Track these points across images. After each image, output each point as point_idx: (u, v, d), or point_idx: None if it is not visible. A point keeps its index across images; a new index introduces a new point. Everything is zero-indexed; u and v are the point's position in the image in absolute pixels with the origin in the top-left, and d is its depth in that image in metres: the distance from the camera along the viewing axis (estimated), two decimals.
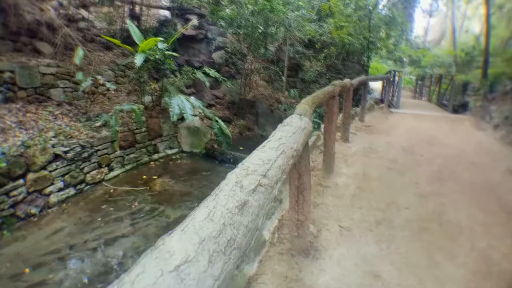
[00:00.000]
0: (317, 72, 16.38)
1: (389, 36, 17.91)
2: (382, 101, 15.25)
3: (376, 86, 19.51)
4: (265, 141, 1.99)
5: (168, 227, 6.26)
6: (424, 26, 34.75)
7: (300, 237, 3.20)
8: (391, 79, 13.76)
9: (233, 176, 1.45)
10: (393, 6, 19.56)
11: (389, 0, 20.19)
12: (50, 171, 6.95)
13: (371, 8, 16.12)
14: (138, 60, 8.58)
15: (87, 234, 5.97)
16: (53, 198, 6.93)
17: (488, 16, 13.03)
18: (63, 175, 7.24)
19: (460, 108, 12.96)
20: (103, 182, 8.17)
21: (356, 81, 8.03)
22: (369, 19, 15.87)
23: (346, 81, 6.85)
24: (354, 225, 3.70)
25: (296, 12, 13.66)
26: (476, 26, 26.25)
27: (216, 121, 10.19)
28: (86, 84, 8.44)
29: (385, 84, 16.20)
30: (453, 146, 7.60)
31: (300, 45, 16.35)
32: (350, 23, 15.53)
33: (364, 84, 9.46)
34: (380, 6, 18.37)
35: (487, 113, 9.83)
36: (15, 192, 6.30)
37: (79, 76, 8.63)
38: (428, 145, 7.55)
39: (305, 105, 3.78)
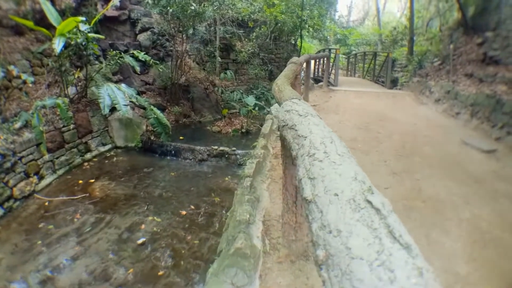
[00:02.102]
0: (250, 52, 15.85)
1: (320, 15, 17.92)
2: (315, 80, 15.33)
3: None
4: (306, 144, 1.44)
5: (122, 240, 5.42)
6: (347, 5, 35.77)
7: (299, 240, 2.83)
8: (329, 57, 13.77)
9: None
10: None
11: None
12: None
13: None
14: (58, 44, 7.33)
15: (30, 264, 4.86)
16: None
17: None
18: None
19: (391, 83, 13.41)
20: (35, 194, 6.88)
21: (302, 58, 7.85)
22: None
23: (296, 58, 6.57)
24: None
25: None
26: (396, 7, 27.74)
27: (152, 109, 9.29)
28: None
29: (318, 62, 16.31)
30: (404, 121, 7.77)
31: (232, 25, 15.69)
32: (282, 1, 15.20)
33: (307, 62, 9.25)
34: None
35: (426, 88, 10.14)
36: None
37: None
38: (380, 121, 7.62)
39: (287, 86, 3.35)
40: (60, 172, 7.91)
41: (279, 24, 16.05)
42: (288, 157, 2.58)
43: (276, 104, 8.13)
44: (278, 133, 6.22)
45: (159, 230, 5.68)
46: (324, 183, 1.03)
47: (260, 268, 2.71)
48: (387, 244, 0.73)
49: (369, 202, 0.88)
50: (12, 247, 5.28)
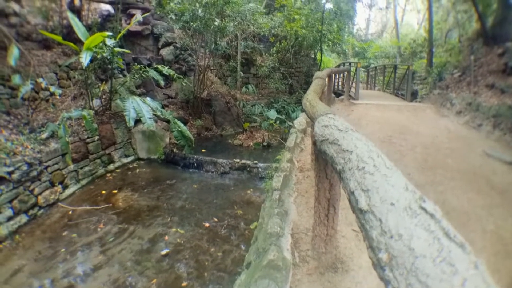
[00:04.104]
0: (270, 66, 16.03)
1: (339, 29, 18.05)
2: (335, 93, 15.31)
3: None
4: (353, 158, 1.51)
5: (146, 250, 5.48)
6: (365, 18, 35.91)
7: (328, 253, 2.85)
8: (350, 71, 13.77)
9: None
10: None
11: None
12: None
13: (324, 1, 16.16)
14: (85, 58, 7.53)
15: (53, 272, 4.95)
16: (3, 230, 5.75)
17: (430, 9, 13.46)
18: (10, 201, 6.04)
19: (410, 95, 13.29)
20: (59, 203, 7.06)
21: (325, 73, 7.89)
22: (322, 12, 15.83)
23: (320, 73, 6.65)
24: None
25: (251, 4, 13.23)
26: (415, 19, 27.78)
27: (176, 123, 9.43)
28: (26, 89, 7.24)
29: (338, 76, 16.33)
30: (426, 134, 7.70)
31: (253, 40, 15.93)
32: (302, 16, 15.38)
33: (329, 76, 9.30)
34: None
35: (447, 100, 10.06)
36: None
37: (16, 79, 7.35)
38: (402, 134, 7.56)
39: (318, 101, 3.40)
40: (84, 182, 8.08)
41: (299, 39, 16.21)
42: (322, 171, 2.61)
43: (299, 118, 8.21)
44: (302, 146, 6.31)
45: (182, 242, 5.72)
46: (379, 194, 1.11)
47: (290, 280, 2.73)
48: (445, 243, 0.83)
49: (424, 208, 0.98)
50: (36, 254, 5.39)
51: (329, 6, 17.71)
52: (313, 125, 2.74)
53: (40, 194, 6.76)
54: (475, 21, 11.07)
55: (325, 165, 2.54)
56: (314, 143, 2.46)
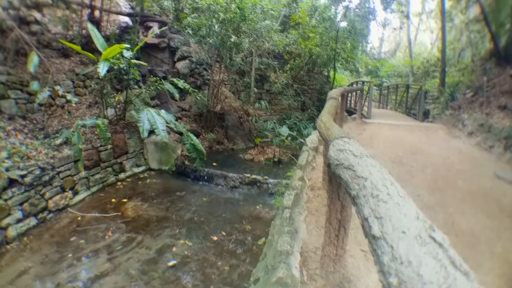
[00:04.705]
0: (284, 83, 16.18)
1: (353, 47, 18.18)
2: (347, 111, 15.31)
3: None
4: (368, 185, 1.56)
5: (152, 260, 5.51)
6: (379, 37, 36.11)
7: (336, 272, 2.88)
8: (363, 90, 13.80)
9: None
10: (353, 18, 19.90)
11: (345, 13, 20.53)
12: (6, 200, 5.89)
13: (339, 20, 16.37)
14: (102, 69, 7.69)
15: (59, 276, 5.00)
16: (11, 232, 5.85)
17: (443, 29, 13.47)
18: (21, 204, 6.18)
19: (422, 115, 13.23)
20: (68, 208, 7.17)
21: (339, 92, 7.93)
22: (337, 31, 15.99)
23: (334, 93, 6.70)
24: None
25: (267, 21, 13.45)
26: (428, 38, 27.84)
27: (188, 136, 9.53)
28: (44, 95, 7.42)
29: (350, 94, 16.37)
30: (437, 154, 7.65)
31: (268, 56, 16.13)
32: (317, 34, 15.57)
33: (342, 95, 9.32)
34: (339, 18, 18.68)
35: (459, 121, 10.01)
36: None
37: (34, 86, 7.57)
38: (413, 155, 7.54)
39: (333, 123, 3.43)
40: (94, 189, 8.21)
41: (313, 56, 16.38)
42: (334, 192, 2.64)
43: (311, 136, 8.25)
44: (314, 165, 6.33)
45: (190, 254, 5.73)
46: (391, 222, 1.17)
47: None
48: (451, 271, 0.90)
49: (433, 238, 1.03)
50: (42, 257, 5.46)
51: (343, 25, 17.88)
52: (325, 145, 2.78)
53: (50, 198, 6.90)
54: (488, 41, 11.06)
55: (338, 187, 2.57)
56: (328, 165, 2.49)
